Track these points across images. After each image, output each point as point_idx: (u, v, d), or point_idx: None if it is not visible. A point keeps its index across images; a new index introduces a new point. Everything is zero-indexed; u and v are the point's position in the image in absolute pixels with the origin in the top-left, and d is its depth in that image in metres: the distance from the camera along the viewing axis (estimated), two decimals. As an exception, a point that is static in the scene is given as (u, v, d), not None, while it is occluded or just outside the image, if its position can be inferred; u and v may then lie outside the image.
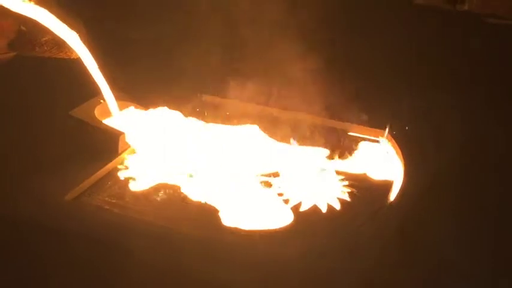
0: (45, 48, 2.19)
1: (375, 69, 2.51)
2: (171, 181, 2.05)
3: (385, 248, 1.81)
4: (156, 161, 2.14)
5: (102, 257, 1.80)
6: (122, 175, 2.10)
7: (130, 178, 2.09)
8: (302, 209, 1.95)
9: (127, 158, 2.16)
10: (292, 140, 2.19)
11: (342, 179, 2.07)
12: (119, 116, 2.21)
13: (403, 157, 2.15)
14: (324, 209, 1.94)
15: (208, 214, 1.92)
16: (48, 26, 2.05)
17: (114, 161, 2.12)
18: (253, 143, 2.24)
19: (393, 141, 2.21)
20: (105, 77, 2.16)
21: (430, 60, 2.59)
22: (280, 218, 1.91)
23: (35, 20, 2.04)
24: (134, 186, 2.04)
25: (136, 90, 2.34)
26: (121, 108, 2.25)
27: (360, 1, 2.75)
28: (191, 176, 2.10)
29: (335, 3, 2.58)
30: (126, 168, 2.12)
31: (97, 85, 2.16)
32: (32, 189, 1.97)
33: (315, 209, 1.95)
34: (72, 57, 2.16)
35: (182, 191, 2.03)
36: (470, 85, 2.49)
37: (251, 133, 2.27)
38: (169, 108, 2.31)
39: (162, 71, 2.49)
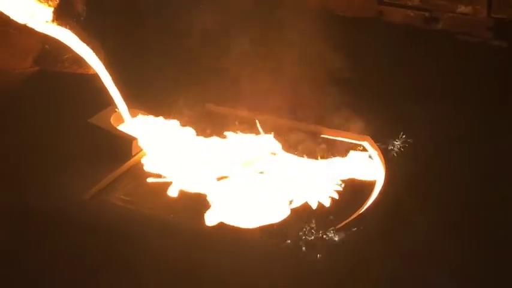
0: (66, 64, 2.18)
1: (362, 83, 2.60)
2: (181, 180, 2.13)
3: (368, 241, 1.88)
4: (167, 162, 2.21)
5: (117, 248, 1.87)
6: (137, 175, 2.16)
7: (144, 177, 2.16)
8: (293, 205, 2.03)
9: (140, 160, 2.23)
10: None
11: (331, 179, 2.14)
12: (131, 122, 2.29)
13: (384, 159, 2.24)
14: (314, 206, 2.02)
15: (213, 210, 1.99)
16: (69, 45, 2.11)
17: (128, 163, 2.20)
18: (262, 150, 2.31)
19: (375, 145, 2.29)
20: (118, 89, 2.24)
21: (409, 74, 2.65)
22: (275, 214, 1.99)
23: (58, 40, 2.10)
24: (147, 185, 2.12)
25: (146, 100, 2.41)
26: (133, 116, 2.33)
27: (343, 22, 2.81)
28: (202, 175, 2.17)
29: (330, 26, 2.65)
30: (141, 168, 2.20)
31: (111, 96, 2.24)
32: (55, 188, 2.06)
33: (305, 206, 2.03)
34: (90, 73, 2.19)
35: (192, 189, 2.10)
36: (442, 95, 2.56)
37: (261, 141, 2.34)
38: (176, 115, 2.38)
39: (169, 82, 2.55)
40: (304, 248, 1.83)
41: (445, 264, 1.89)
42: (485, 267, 1.88)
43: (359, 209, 2.01)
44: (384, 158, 2.23)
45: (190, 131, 2.37)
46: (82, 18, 2.19)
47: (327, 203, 2.03)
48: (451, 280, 1.86)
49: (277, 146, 2.30)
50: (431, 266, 1.88)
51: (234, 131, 2.37)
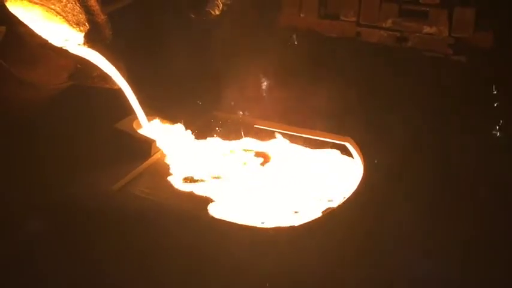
0: (95, 80, 2.18)
1: (343, 93, 2.63)
2: (194, 176, 2.18)
3: (351, 225, 1.92)
4: (182, 161, 2.27)
5: (139, 234, 1.89)
6: (156, 172, 2.20)
7: (161, 173, 2.20)
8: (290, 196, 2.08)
9: (159, 159, 2.28)
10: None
11: (319, 173, 2.20)
12: (149, 128, 2.33)
13: (363, 156, 2.28)
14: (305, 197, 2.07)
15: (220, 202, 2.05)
16: (97, 64, 2.16)
17: (148, 161, 2.24)
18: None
19: (355, 144, 2.35)
20: (138, 100, 2.29)
21: (384, 85, 2.72)
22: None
23: (88, 60, 2.15)
24: (164, 180, 2.16)
25: (162, 109, 2.43)
26: (150, 122, 2.35)
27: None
28: (213, 174, 2.21)
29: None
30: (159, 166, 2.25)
31: (133, 106, 2.28)
32: (87, 182, 2.08)
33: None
34: (115, 88, 2.23)
35: (204, 184, 2.15)
36: (411, 103, 2.61)
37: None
38: (188, 121, 2.42)
39: (181, 93, 2.60)
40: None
41: (419, 244, 1.92)
42: (456, 247, 1.92)
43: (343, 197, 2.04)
44: (363, 155, 2.27)
45: (200, 134, 2.42)
46: (108, 42, 2.25)
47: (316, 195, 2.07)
48: (424, 257, 1.89)
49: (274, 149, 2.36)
50: (405, 245, 1.92)
51: (239, 135, 2.42)
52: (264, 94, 2.54)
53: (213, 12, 2.84)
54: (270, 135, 2.44)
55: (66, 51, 2.10)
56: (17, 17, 1.98)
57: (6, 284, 1.79)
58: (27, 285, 1.79)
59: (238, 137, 2.43)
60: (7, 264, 1.83)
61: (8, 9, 1.98)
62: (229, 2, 2.95)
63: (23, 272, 1.82)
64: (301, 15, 3.09)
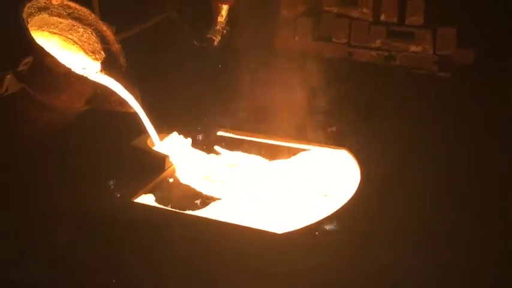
0: (113, 105, 2.33)
1: (337, 108, 2.82)
2: (205, 189, 2.34)
3: (347, 229, 2.03)
4: (193, 174, 2.44)
5: (156, 241, 2.00)
6: (169, 184, 2.37)
7: (175, 185, 2.38)
8: (285, 205, 2.21)
9: (172, 172, 2.44)
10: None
11: (315, 181, 2.34)
12: (160, 145, 2.50)
13: (359, 163, 2.42)
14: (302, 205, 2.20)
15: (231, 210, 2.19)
16: (114, 90, 2.31)
17: (162, 175, 2.39)
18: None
19: (351, 152, 2.51)
20: (150, 121, 2.44)
21: (374, 99, 2.91)
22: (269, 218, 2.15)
23: (106, 86, 2.31)
24: (177, 191, 2.34)
25: (172, 128, 2.59)
26: (162, 139, 2.50)
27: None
28: (223, 184, 2.37)
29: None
30: (173, 179, 2.42)
31: (146, 126, 2.45)
32: (108, 194, 2.22)
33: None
34: (130, 111, 2.37)
35: (214, 196, 2.29)
36: (400, 115, 2.80)
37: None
38: (195, 139, 2.60)
39: (189, 115, 2.77)
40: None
41: (412, 242, 2.00)
42: (446, 244, 2.00)
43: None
44: (360, 162, 2.43)
45: (207, 149, 2.60)
46: (123, 70, 2.44)
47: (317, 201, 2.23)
48: (416, 252, 1.97)
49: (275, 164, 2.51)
50: (399, 244, 2.00)
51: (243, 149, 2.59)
52: (265, 111, 2.69)
53: (215, 38, 3.11)
54: (271, 147, 2.60)
55: (87, 78, 2.26)
56: (44, 49, 2.15)
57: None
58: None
59: (242, 150, 2.58)
60: (40, 268, 1.94)
61: (36, 42, 2.15)
62: (228, 27, 3.23)
63: (54, 276, 1.93)
64: (296, 38, 3.37)
